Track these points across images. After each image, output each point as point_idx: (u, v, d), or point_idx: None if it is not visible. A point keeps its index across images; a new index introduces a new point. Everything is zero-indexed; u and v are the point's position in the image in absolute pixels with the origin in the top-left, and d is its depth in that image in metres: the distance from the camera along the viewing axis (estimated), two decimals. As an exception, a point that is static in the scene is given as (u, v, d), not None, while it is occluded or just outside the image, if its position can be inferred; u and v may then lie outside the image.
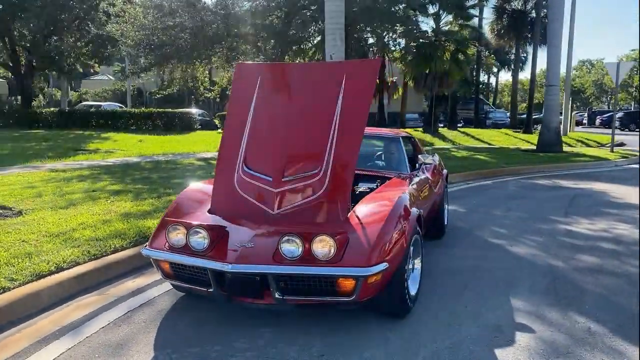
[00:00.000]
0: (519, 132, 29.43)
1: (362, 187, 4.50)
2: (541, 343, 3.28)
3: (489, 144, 22.91)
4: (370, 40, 23.26)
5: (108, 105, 31.39)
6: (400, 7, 21.16)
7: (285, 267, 3.04)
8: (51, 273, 4.16)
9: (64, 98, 32.52)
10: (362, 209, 3.57)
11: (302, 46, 19.76)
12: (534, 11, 31.56)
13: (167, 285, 4.19)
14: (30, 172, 9.86)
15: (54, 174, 9.68)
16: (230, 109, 4.03)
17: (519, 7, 33.24)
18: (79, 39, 24.28)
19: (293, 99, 3.86)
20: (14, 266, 4.15)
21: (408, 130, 28.94)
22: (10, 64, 26.47)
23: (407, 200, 3.82)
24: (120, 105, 33.86)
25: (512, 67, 37.46)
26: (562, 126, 21.89)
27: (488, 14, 34.86)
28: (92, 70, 47.44)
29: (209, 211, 3.67)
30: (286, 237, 3.06)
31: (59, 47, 24.19)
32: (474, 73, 35.55)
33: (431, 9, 24.99)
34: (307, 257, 3.05)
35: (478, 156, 16.19)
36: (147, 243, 3.57)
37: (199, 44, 16.61)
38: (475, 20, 30.76)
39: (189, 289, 3.49)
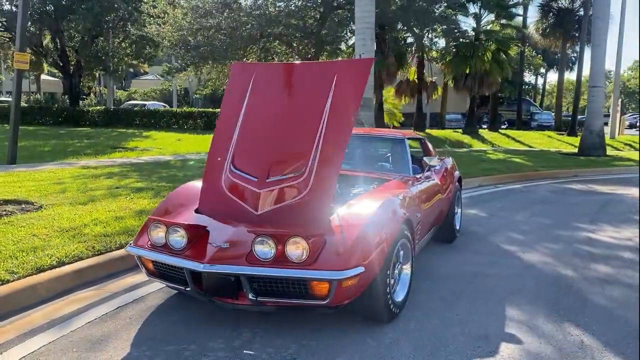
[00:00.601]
0: (563, 134, 28.49)
1: (358, 189, 4.43)
2: (525, 355, 3.14)
3: (530, 147, 22.28)
4: (409, 40, 22.96)
5: (152, 104, 32.24)
6: (440, 6, 20.84)
7: (257, 268, 3.02)
8: (52, 267, 4.28)
9: (109, 97, 33.55)
10: (346, 211, 3.52)
11: (336, 46, 19.70)
12: (581, 9, 30.43)
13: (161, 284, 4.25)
14: (62, 168, 10.21)
15: (84, 170, 10.00)
16: (223, 108, 4.05)
17: (566, 5, 32.13)
18: (123, 40, 25.02)
19: (283, 99, 3.83)
20: (17, 259, 4.29)
21: (447, 131, 28.50)
22: (61, 64, 27.58)
23: (397, 203, 3.73)
24: (164, 104, 34.69)
25: (559, 67, 36.23)
26: (609, 129, 21.07)
27: (533, 13, 33.76)
28: (142, 71, 48.89)
29: (196, 210, 3.69)
30: (259, 239, 3.04)
31: (104, 47, 24.99)
32: (519, 73, 34.57)
33: (472, 9, 24.51)
34: (280, 259, 3.03)
35: (514, 159, 15.75)
36: (132, 240, 3.62)
37: (234, 45, 16.82)
38: (519, 19, 29.99)
39: (172, 287, 3.52)
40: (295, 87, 3.84)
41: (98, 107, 29.12)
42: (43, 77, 43.15)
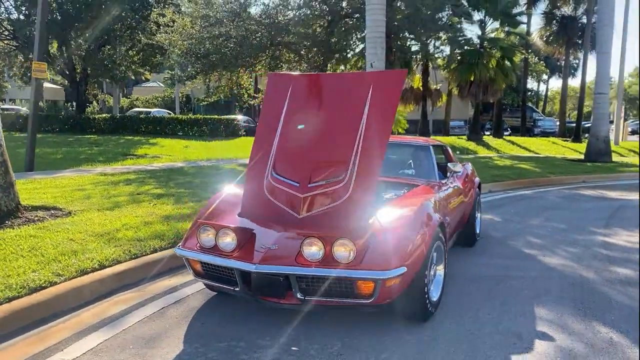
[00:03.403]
0: (567, 140, 28.71)
1: (389, 194, 4.60)
2: (559, 351, 3.29)
3: (535, 153, 22.47)
4: (414, 48, 23.19)
5: (157, 111, 32.45)
6: (445, 14, 21.08)
7: (306, 268, 3.18)
8: (94, 270, 4.44)
9: (115, 105, 33.77)
10: (385, 215, 3.68)
11: (344, 54, 19.93)
12: (584, 17, 30.72)
13: (199, 285, 4.41)
14: (81, 175, 10.40)
15: (102, 177, 10.18)
16: (262, 117, 4.22)
17: (569, 13, 32.45)
18: (130, 48, 25.28)
19: (321, 108, 4.00)
20: (60, 262, 4.45)
21: (452, 138, 28.70)
22: (67, 72, 27.83)
23: (430, 207, 3.90)
24: (169, 111, 34.92)
25: (562, 74, 36.51)
26: (613, 135, 21.27)
27: (537, 20, 34.10)
28: (143, 78, 49.13)
29: (239, 214, 3.86)
30: (308, 240, 3.21)
31: (111, 55, 25.24)
32: (522, 80, 34.84)
33: (476, 16, 24.77)
34: (328, 260, 3.19)
35: (521, 165, 15.93)
36: (180, 243, 3.79)
37: (244, 53, 17.04)
38: (523, 27, 30.26)
39: (219, 287, 3.67)
40: (333, 96, 4.01)
41: (104, 115, 29.34)
42: (46, 84, 43.35)
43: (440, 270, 3.95)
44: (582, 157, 18.51)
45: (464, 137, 27.94)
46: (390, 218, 3.62)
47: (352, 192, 3.61)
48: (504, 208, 8.79)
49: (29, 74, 29.13)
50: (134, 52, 26.05)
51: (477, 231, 6.06)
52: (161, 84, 53.02)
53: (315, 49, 18.29)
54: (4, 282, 3.90)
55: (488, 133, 32.81)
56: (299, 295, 3.25)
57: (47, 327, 3.60)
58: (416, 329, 3.59)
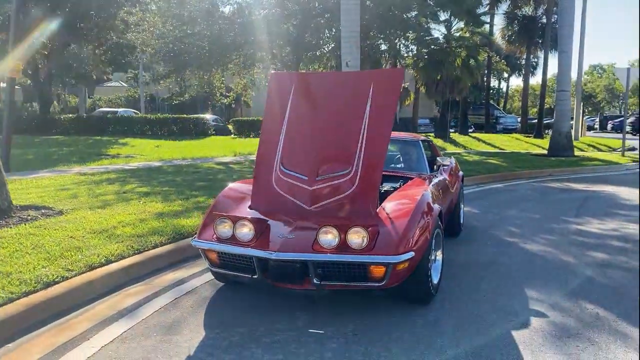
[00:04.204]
0: (530, 137, 29.68)
1: (386, 186, 4.85)
2: (553, 326, 3.60)
3: (501, 149, 23.18)
4: (383, 47, 23.62)
5: (124, 111, 31.98)
6: (413, 14, 21.55)
7: (323, 255, 3.40)
8: (102, 265, 4.54)
9: (82, 104, 33.15)
10: (390, 205, 3.93)
11: (317, 53, 20.18)
12: (544, 17, 31.80)
13: (206, 277, 4.57)
14: (60, 175, 10.32)
15: (83, 177, 10.13)
16: (267, 115, 4.41)
17: (530, 13, 33.52)
18: (97, 47, 24.90)
19: (325, 105, 4.22)
20: (67, 258, 4.54)
21: (420, 135, 29.30)
22: (30, 72, 27.16)
23: (430, 197, 4.17)
24: (135, 111, 34.48)
25: (523, 72, 37.69)
26: (573, 131, 22.14)
27: (499, 21, 35.02)
28: (105, 77, 48.24)
29: (250, 207, 4.05)
30: (324, 229, 3.42)
31: (77, 54, 24.79)
32: (485, 78, 35.78)
33: (442, 16, 25.37)
34: (343, 246, 3.41)
35: (490, 160, 16.48)
36: (195, 235, 3.94)
37: (216, 52, 17.08)
38: (486, 27, 31.10)
39: (234, 276, 3.84)
40: (335, 94, 4.24)
41: (70, 115, 28.79)
42: (1, 84, 42.08)
43: (439, 255, 4.23)
44: (546, 152, 19.23)
45: (431, 134, 28.55)
46: (395, 208, 3.87)
47: (358, 185, 3.85)
48: (479, 201, 9.18)
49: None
50: (101, 51, 25.67)
51: (462, 221, 6.38)
52: (124, 84, 52.18)
53: (288, 48, 18.50)
54: (18, 278, 3.98)
55: (453, 130, 33.60)
56: (315, 281, 3.46)
57: (66, 320, 3.69)
58: (421, 310, 3.84)
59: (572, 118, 22.62)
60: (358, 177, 3.86)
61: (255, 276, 3.59)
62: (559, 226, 6.98)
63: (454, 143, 25.05)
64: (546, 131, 29.19)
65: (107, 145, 19.70)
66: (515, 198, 9.61)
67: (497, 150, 22.62)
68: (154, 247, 5.18)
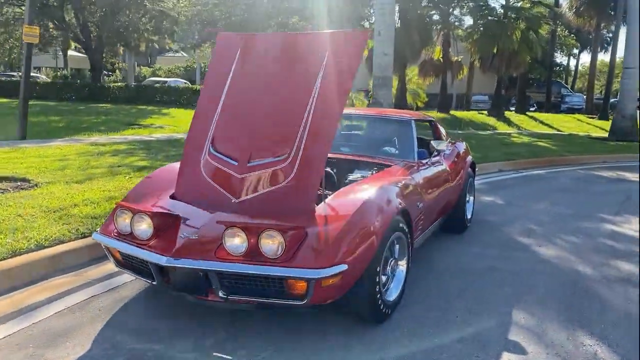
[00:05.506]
0: (594, 118, 27.45)
1: (356, 175, 4.07)
2: (529, 368, 2.78)
3: (558, 130, 21.45)
4: (435, 18, 22.20)
5: (174, 81, 32.04)
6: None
7: (226, 264, 2.70)
8: (29, 251, 4.04)
9: (130, 73, 33.47)
10: (334, 201, 3.17)
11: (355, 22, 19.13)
12: (619, -14, 29.00)
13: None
14: (70, 145, 10.06)
15: (92, 147, 9.82)
16: (205, 84, 3.71)
17: (602, -18, 30.66)
18: (143, 15, 24.80)
19: (270, 74, 3.48)
20: (-6, 241, 4.06)
21: (472, 112, 27.68)
22: (83, 39, 27.50)
23: (391, 192, 3.36)
24: (186, 82, 34.47)
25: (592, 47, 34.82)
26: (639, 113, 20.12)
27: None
28: (167, 47, 48.64)
29: (171, 196, 3.38)
30: (230, 231, 2.72)
31: (124, 22, 24.81)
32: (548, 53, 33.30)
33: (502, -16, 23.55)
34: (254, 254, 2.70)
35: (539, 143, 15.12)
36: (100, 227, 3.34)
37: (251, 20, 16.41)
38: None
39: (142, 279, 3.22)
40: (284, 60, 3.50)
41: (119, 84, 29.03)
42: (70, 53, 43.16)
43: (402, 265, 3.43)
44: (607, 135, 17.55)
45: (485, 112, 26.91)
46: (339, 204, 3.11)
47: (296, 173, 3.11)
48: (509, 190, 8.16)
49: (43, 42, 28.98)
50: (147, 19, 25.55)
51: (468, 216, 5.49)
52: (184, 54, 52.55)
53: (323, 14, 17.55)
54: None
55: (513, 109, 31.61)
56: (221, 294, 2.78)
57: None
58: (366, 332, 3.10)
59: (639, 99, 20.56)
60: (297, 164, 3.12)
61: (155, 283, 2.95)
62: (590, 225, 5.94)
63: (508, 122, 23.41)
64: (612, 112, 26.90)
65: (147, 115, 19.58)
66: (552, 188, 8.49)
67: (553, 131, 20.94)
68: (103, 231, 4.64)
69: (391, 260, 3.28)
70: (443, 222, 5.00)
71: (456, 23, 23.25)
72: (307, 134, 3.16)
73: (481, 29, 22.98)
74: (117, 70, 43.62)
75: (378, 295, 3.05)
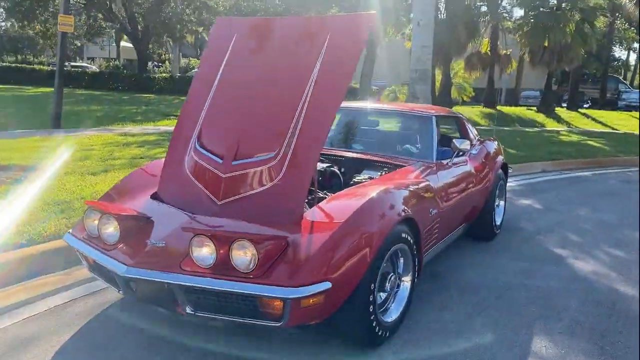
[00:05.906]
0: (653, 116, 25.84)
1: (363, 175, 3.68)
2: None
3: (613, 129, 20.26)
4: (483, 9, 21.29)
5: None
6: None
7: (190, 277, 2.37)
8: (21, 246, 3.88)
9: (175, 64, 33.86)
10: (327, 206, 2.80)
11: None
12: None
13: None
14: (100, 134, 10.04)
15: (120, 138, 9.76)
16: (198, 73, 3.40)
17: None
18: (187, 6, 24.94)
19: (265, 62, 3.14)
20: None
21: (520, 108, 26.52)
22: (130, 30, 27.95)
23: (395, 197, 2.96)
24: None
25: (654, 41, 32.85)
26: None
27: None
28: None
29: (152, 196, 3.09)
30: (198, 239, 2.39)
31: (167, 13, 25.01)
32: (605, 48, 31.62)
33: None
34: (223, 266, 2.37)
35: (589, 142, 14.21)
36: (72, 228, 3.08)
37: (289, 11, 16.11)
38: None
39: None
40: (281, 47, 3.15)
41: (164, 74, 29.36)
42: (123, 43, 44.04)
43: (406, 282, 3.02)
44: (666, 135, 16.37)
45: (534, 108, 25.74)
46: (331, 211, 2.74)
47: (285, 173, 2.76)
48: (550, 192, 7.55)
49: (92, 32, 29.62)
50: (190, 10, 25.71)
51: (497, 223, 4.99)
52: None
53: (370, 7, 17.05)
54: None
55: (565, 105, 30.16)
56: (188, 310, 2.46)
57: None
58: (359, 357, 2.73)
59: None
60: (286, 164, 2.77)
61: (121, 292, 2.67)
62: (635, 235, 5.35)
63: (558, 119, 22.29)
64: (674, 111, 25.28)
65: (186, 106, 19.61)
66: (598, 191, 7.82)
67: (607, 130, 19.77)
68: (104, 227, 4.43)
69: (391, 276, 2.89)
70: (468, 229, 4.56)
71: (505, 14, 22.18)
72: (300, 130, 2.81)
73: (532, 20, 21.89)
74: (166, 62, 44.29)
75: (372, 317, 2.66)
